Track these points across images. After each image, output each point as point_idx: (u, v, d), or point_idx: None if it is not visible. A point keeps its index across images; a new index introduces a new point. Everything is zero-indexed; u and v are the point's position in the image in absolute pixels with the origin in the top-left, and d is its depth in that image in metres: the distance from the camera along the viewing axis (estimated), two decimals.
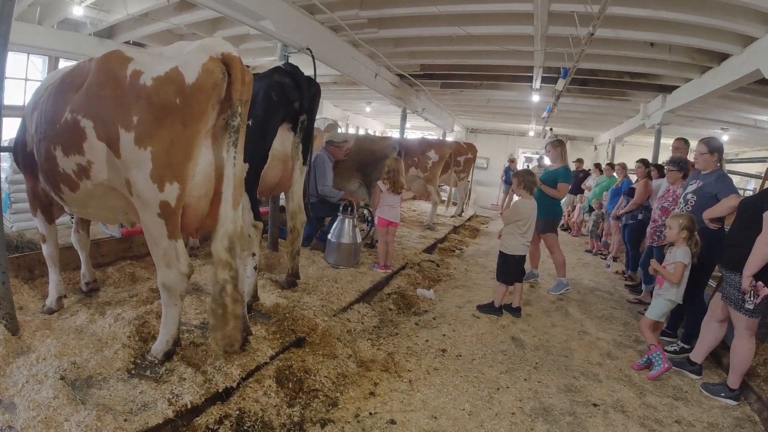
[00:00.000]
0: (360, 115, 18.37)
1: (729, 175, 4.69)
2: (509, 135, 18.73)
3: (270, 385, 2.84)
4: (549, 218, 5.87)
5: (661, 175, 6.34)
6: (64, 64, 7.98)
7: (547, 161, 6.90)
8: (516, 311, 4.90)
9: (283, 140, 4.01)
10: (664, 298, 3.91)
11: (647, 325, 3.94)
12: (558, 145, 6.00)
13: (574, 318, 5.06)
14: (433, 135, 16.23)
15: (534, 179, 4.95)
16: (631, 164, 8.89)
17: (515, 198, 5.18)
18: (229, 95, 2.61)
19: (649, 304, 4.24)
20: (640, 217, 6.57)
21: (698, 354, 3.85)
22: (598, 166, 11.03)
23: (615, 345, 4.39)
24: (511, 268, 4.88)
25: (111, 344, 2.92)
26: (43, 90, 3.17)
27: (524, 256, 4.93)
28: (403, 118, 11.70)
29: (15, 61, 8.01)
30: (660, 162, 7.56)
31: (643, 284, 5.98)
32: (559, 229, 6.41)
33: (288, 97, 3.81)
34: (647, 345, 3.92)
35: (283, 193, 4.53)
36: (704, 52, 6.49)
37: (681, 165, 5.18)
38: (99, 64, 2.66)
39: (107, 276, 4.29)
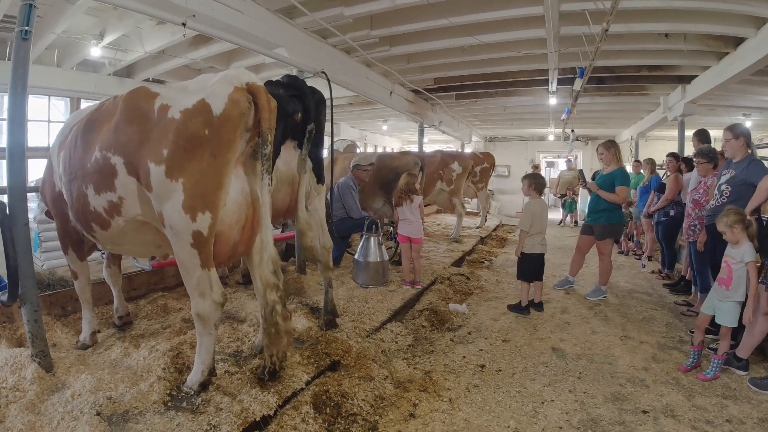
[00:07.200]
0: (377, 134, 18.49)
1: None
2: (528, 141, 18.49)
3: (308, 412, 2.80)
4: (609, 223, 5.56)
5: (690, 169, 6.14)
6: (85, 104, 8.28)
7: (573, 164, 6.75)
8: (538, 306, 5.21)
9: (288, 159, 3.69)
10: (734, 301, 3.65)
11: (727, 333, 3.69)
12: (611, 146, 5.66)
13: (615, 323, 4.88)
14: (450, 147, 16.13)
15: (543, 182, 5.32)
16: (658, 159, 8.69)
17: (526, 199, 5.30)
18: (258, 124, 2.65)
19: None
20: (672, 213, 6.36)
21: (744, 349, 3.70)
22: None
23: (659, 348, 4.22)
24: (526, 267, 5.17)
25: (146, 377, 2.92)
26: (68, 130, 3.23)
27: (542, 254, 5.17)
28: (421, 133, 11.73)
29: (37, 103, 8.31)
30: (686, 155, 7.35)
31: (693, 286, 5.48)
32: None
33: (285, 110, 3.24)
34: (698, 345, 3.78)
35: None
36: (719, 37, 6.36)
37: (710, 156, 5.04)
38: (125, 102, 2.72)
39: (139, 309, 4.34)
